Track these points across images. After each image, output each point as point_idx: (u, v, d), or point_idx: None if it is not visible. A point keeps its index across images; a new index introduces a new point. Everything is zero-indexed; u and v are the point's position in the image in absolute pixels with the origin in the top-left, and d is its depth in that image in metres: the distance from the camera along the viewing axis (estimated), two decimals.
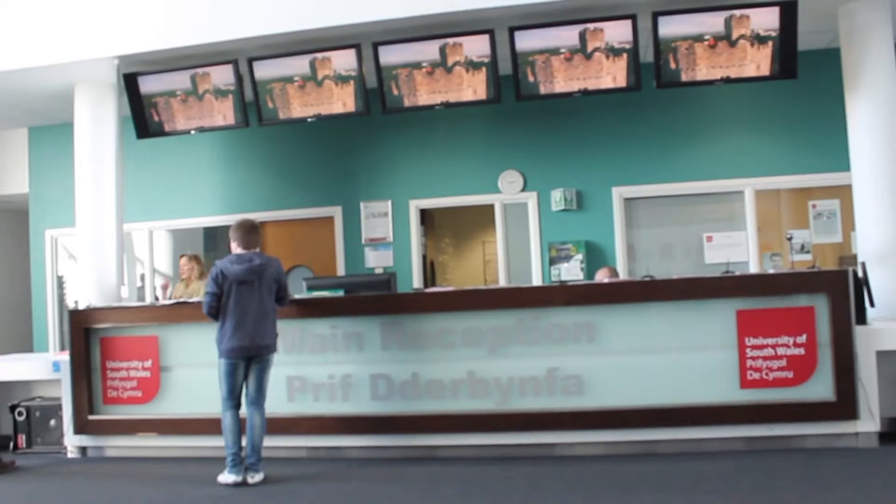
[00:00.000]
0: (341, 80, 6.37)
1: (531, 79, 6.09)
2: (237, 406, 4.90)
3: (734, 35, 5.83)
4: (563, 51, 5.99)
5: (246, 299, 4.82)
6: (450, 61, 6.15)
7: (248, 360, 4.88)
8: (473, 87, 6.20)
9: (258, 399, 4.91)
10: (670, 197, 7.44)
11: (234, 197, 8.15)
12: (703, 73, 5.93)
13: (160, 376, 5.68)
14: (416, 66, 6.22)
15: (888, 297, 5.60)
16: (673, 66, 5.93)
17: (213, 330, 4.96)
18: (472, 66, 6.14)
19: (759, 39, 5.82)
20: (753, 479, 4.32)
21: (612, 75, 5.99)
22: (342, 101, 6.43)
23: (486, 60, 6.10)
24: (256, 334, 4.82)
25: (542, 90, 6.12)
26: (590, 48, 5.94)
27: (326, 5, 6.10)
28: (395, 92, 6.30)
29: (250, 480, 4.80)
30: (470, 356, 5.23)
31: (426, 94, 6.28)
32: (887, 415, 5.04)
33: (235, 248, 5.00)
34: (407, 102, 6.33)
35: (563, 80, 6.06)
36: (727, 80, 5.99)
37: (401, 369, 5.32)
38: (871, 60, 5.86)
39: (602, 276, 6.33)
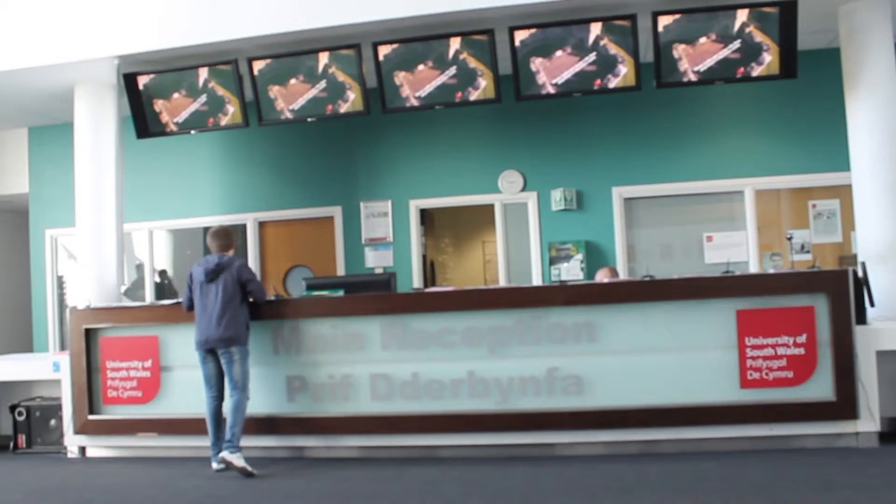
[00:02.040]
0: (341, 71, 6.34)
1: (530, 74, 6.06)
2: (215, 398, 5.24)
3: (733, 33, 5.83)
4: (562, 46, 5.98)
5: (206, 297, 5.22)
6: (448, 54, 6.13)
7: (215, 353, 5.20)
8: (473, 84, 6.17)
9: (233, 390, 5.16)
10: (670, 197, 7.43)
11: (234, 197, 8.15)
12: (702, 71, 5.91)
13: (160, 376, 5.68)
14: (415, 62, 6.22)
15: (888, 297, 5.60)
16: (673, 65, 5.92)
17: None
18: (471, 57, 6.12)
19: (758, 38, 5.81)
20: (753, 479, 4.32)
21: (612, 72, 5.97)
22: (341, 96, 6.39)
23: (486, 60, 6.09)
24: (212, 329, 5.14)
25: (540, 82, 6.08)
26: (588, 44, 5.93)
27: (326, 5, 6.10)
28: (394, 83, 6.25)
29: (222, 455, 5.03)
30: (470, 356, 5.23)
31: (420, 84, 6.22)
32: (887, 415, 5.04)
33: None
34: (403, 94, 6.29)
35: (558, 73, 6.02)
36: (727, 80, 5.99)
37: (401, 369, 5.32)
38: (871, 60, 5.86)
39: (602, 276, 6.33)
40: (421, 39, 6.17)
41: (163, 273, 8.51)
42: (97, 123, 6.86)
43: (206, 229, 8.36)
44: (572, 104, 7.16)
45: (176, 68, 6.62)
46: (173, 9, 6.40)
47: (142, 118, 6.82)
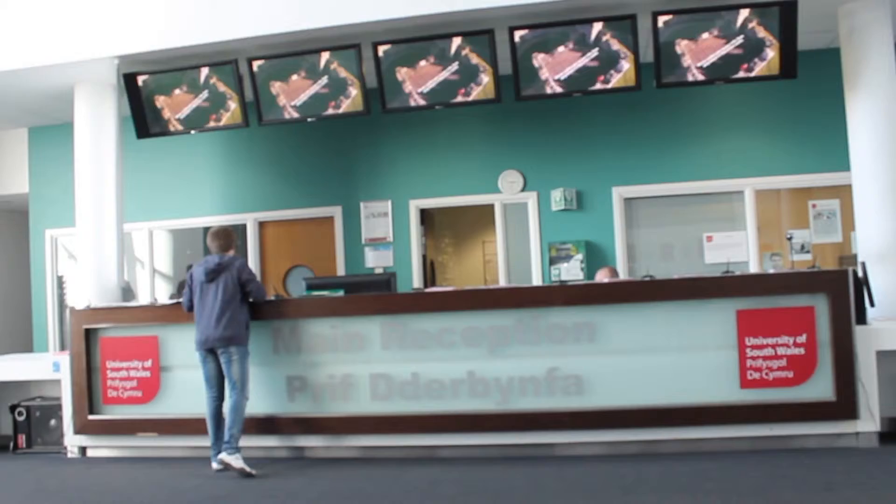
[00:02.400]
0: (343, 67, 6.33)
1: (532, 70, 6.05)
2: (216, 398, 5.25)
3: (733, 34, 5.82)
4: (564, 42, 5.98)
5: (205, 297, 5.24)
6: (450, 50, 6.13)
7: (215, 353, 5.20)
8: (475, 80, 6.17)
9: (232, 390, 5.17)
10: (670, 197, 7.43)
11: (234, 197, 8.15)
12: (705, 67, 5.91)
13: (160, 376, 5.68)
14: (417, 58, 6.22)
15: (888, 297, 5.60)
16: (675, 62, 5.92)
17: None
18: (472, 53, 6.12)
19: (761, 34, 5.81)
20: (753, 479, 4.32)
21: (615, 68, 5.96)
22: (343, 92, 6.39)
23: (487, 56, 6.09)
24: (212, 328, 5.15)
25: (543, 78, 6.07)
26: (590, 39, 5.93)
27: (326, 5, 6.10)
28: (396, 79, 6.24)
29: (221, 456, 5.03)
30: (470, 356, 5.23)
31: (422, 80, 6.22)
32: (887, 415, 5.04)
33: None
34: (406, 90, 6.29)
35: (560, 69, 6.01)
36: (727, 80, 5.99)
37: (401, 369, 5.32)
38: (871, 60, 5.85)
39: (602, 276, 6.33)
40: (420, 40, 6.17)
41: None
42: (97, 123, 6.86)
43: (206, 229, 8.36)
44: (572, 104, 7.16)
45: (176, 68, 6.62)
46: (173, 9, 6.41)
47: (142, 118, 6.82)
